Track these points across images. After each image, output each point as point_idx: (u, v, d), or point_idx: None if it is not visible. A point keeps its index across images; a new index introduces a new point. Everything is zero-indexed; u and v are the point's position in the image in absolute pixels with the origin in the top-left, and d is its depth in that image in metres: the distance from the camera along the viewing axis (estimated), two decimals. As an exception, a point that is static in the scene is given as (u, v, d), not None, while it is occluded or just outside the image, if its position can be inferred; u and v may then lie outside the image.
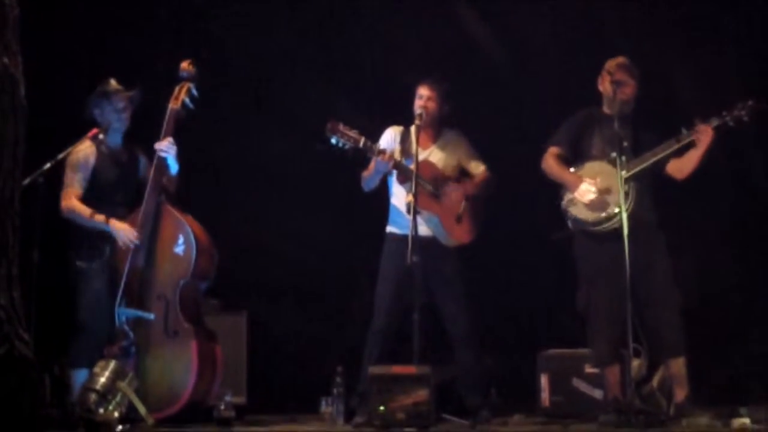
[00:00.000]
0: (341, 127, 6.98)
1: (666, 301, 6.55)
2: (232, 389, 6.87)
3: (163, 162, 7.01)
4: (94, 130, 7.01)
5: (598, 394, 6.99)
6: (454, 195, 7.19)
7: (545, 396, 7.20)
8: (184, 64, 7.20)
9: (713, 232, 7.89)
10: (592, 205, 6.63)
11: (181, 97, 7.12)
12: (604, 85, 6.80)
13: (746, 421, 6.16)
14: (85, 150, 7.02)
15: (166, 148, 6.98)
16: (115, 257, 6.91)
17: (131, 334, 6.74)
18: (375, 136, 7.24)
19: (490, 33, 8.40)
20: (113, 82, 7.13)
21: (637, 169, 6.57)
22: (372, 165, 7.13)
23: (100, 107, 7.08)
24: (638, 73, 6.80)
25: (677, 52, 7.82)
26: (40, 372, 5.73)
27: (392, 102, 7.47)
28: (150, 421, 6.39)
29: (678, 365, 6.53)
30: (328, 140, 6.99)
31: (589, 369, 7.02)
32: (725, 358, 7.65)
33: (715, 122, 6.57)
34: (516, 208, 7.93)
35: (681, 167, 6.70)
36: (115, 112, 7.07)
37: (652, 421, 6.14)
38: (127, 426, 6.28)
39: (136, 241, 6.86)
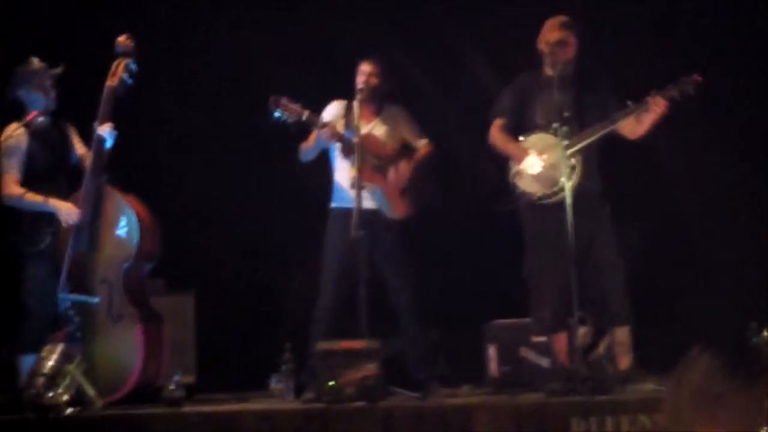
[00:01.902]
0: (284, 100, 6.98)
1: (610, 271, 6.59)
2: (181, 369, 6.84)
3: (101, 144, 6.89)
4: (34, 113, 6.90)
5: (545, 362, 7.03)
6: (398, 168, 7.21)
7: (493, 366, 7.22)
8: (121, 39, 7.04)
9: (661, 198, 7.94)
10: (539, 179, 6.63)
11: (118, 73, 6.98)
12: (543, 45, 6.74)
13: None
14: (16, 134, 6.87)
15: (108, 132, 6.89)
16: (58, 241, 6.85)
17: (76, 319, 6.68)
18: (321, 110, 7.23)
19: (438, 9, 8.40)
20: (36, 61, 6.98)
21: (583, 143, 6.55)
22: (313, 136, 7.14)
23: (26, 88, 6.94)
24: (579, 31, 6.76)
25: (618, 24, 7.84)
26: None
27: (340, 76, 7.45)
28: (99, 404, 6.37)
29: (623, 333, 6.59)
30: (272, 114, 6.99)
31: (536, 338, 7.06)
32: (670, 325, 7.71)
33: (660, 96, 6.49)
34: (460, 180, 7.96)
35: (634, 129, 6.65)
36: (41, 91, 6.95)
37: (598, 388, 6.19)
38: (77, 409, 6.26)
39: (77, 220, 6.79)
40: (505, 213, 6.81)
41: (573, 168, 6.49)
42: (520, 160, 6.69)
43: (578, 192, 6.37)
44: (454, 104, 8.15)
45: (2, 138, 6.87)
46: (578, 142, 6.54)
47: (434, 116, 7.70)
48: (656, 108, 6.50)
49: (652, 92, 6.53)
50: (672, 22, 7.91)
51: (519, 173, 6.71)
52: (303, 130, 7.12)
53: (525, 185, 6.69)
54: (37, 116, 6.89)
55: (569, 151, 6.46)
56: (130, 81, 7.02)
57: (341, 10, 8.38)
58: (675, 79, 6.54)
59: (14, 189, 6.84)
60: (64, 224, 6.79)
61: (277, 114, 6.97)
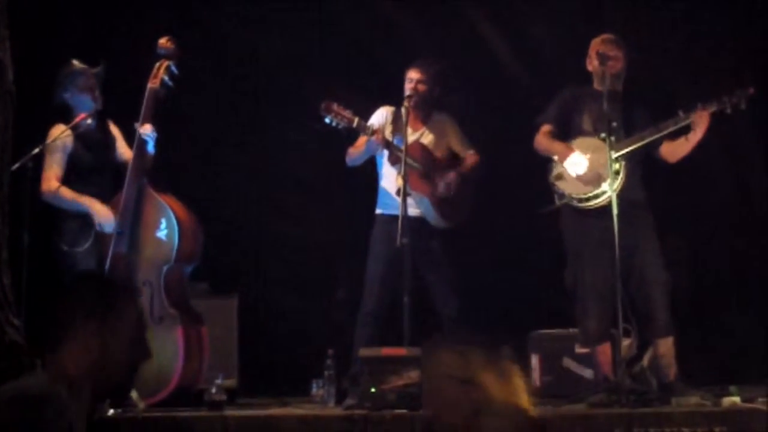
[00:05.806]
0: (335, 107, 6.99)
1: (654, 282, 6.53)
2: (223, 372, 6.84)
3: (143, 146, 6.87)
4: (82, 116, 6.90)
5: (588, 373, 6.98)
6: (445, 176, 7.19)
7: (536, 376, 7.19)
8: (162, 41, 7.01)
9: (703, 211, 7.89)
10: (582, 179, 6.59)
11: (159, 75, 6.94)
12: (593, 63, 6.72)
13: (736, 399, 6.18)
14: (62, 136, 6.85)
15: (149, 134, 6.90)
16: (99, 242, 6.85)
17: (116, 322, 6.68)
18: (368, 117, 7.25)
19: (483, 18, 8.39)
20: (76, 62, 6.97)
21: (630, 148, 6.51)
22: (361, 142, 7.15)
23: (71, 90, 6.93)
24: (626, 48, 6.74)
25: (670, 36, 7.81)
26: (31, 357, 5.73)
27: (387, 82, 7.46)
28: (141, 405, 6.38)
29: (667, 345, 6.53)
30: (323, 119, 7.00)
31: (579, 349, 7.02)
32: (715, 337, 7.66)
33: (713, 107, 6.46)
34: (503, 189, 7.92)
35: (674, 151, 6.65)
36: (87, 93, 6.92)
37: (642, 401, 6.15)
38: (118, 411, 6.27)
39: (111, 226, 6.77)
40: (548, 220, 6.77)
41: (617, 174, 6.44)
42: (564, 157, 6.65)
43: (621, 201, 6.32)
44: (497, 112, 8.12)
45: (48, 138, 6.86)
46: (626, 147, 6.51)
47: (477, 124, 7.67)
48: (700, 124, 6.46)
49: (699, 104, 6.49)
50: (717, 36, 7.87)
51: (561, 174, 6.66)
52: (351, 135, 7.13)
53: (565, 186, 6.64)
54: (84, 118, 6.90)
55: (616, 155, 6.42)
56: (170, 83, 7.00)
57: (385, 16, 8.37)
58: (729, 91, 6.48)
59: (56, 185, 6.82)
60: (97, 228, 6.79)
61: (327, 120, 6.99)
